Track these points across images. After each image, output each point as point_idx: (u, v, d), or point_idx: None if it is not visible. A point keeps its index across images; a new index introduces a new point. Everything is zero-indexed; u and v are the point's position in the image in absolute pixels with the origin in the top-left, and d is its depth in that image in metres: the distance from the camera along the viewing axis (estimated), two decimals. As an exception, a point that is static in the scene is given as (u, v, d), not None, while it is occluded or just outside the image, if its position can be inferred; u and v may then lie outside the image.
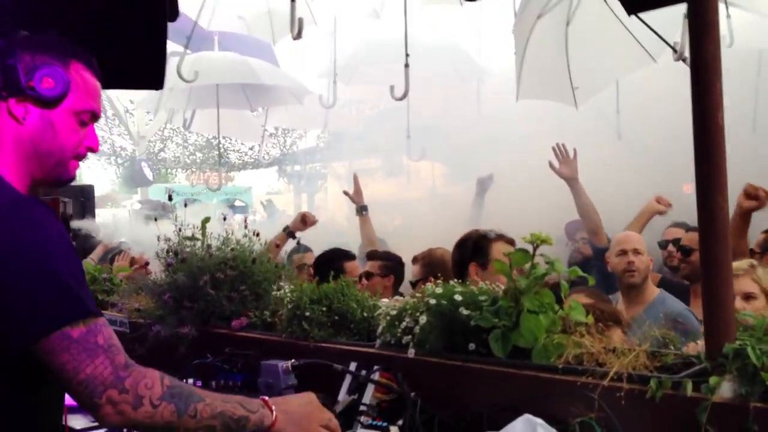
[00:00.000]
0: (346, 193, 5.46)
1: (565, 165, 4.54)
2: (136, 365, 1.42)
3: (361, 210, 5.24)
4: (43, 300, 1.37)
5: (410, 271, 4.07)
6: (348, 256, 4.33)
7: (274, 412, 1.52)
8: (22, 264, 1.38)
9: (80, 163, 1.69)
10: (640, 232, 4.33)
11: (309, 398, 1.64)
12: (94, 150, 1.66)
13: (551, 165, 4.55)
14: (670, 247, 4.39)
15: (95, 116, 1.64)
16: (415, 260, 3.94)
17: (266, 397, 1.56)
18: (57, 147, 1.57)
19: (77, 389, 1.36)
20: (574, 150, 4.59)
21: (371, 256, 4.44)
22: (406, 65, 5.82)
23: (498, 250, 3.08)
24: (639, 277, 3.73)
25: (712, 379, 1.53)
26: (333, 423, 1.63)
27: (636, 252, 3.77)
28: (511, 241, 3.20)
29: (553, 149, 4.61)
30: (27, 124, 1.54)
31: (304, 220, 4.85)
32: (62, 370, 1.35)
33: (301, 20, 5.01)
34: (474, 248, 3.16)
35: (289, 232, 4.83)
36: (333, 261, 4.06)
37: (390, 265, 4.27)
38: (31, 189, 1.58)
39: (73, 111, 1.58)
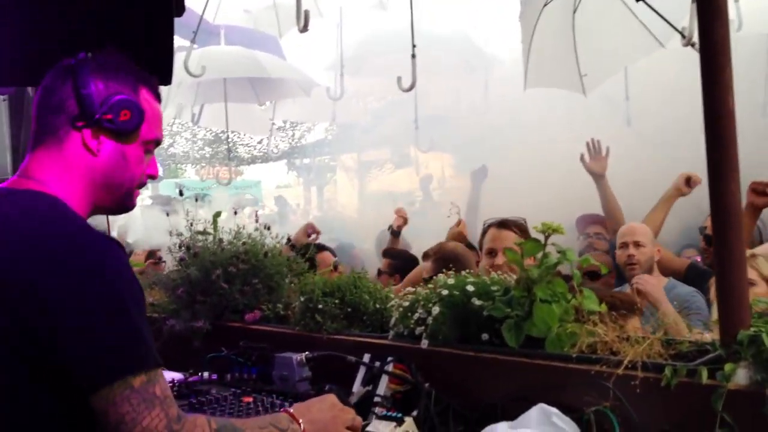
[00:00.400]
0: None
1: (595, 161, 4.51)
2: (186, 415, 1.40)
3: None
4: (112, 345, 1.33)
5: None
6: (321, 247, 4.38)
7: (302, 425, 1.54)
8: (94, 304, 1.33)
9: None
10: (665, 215, 4.25)
11: (330, 401, 1.65)
12: (154, 178, 1.64)
13: (582, 159, 4.51)
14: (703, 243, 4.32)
15: (159, 143, 1.63)
16: (426, 256, 3.94)
17: (290, 409, 1.57)
18: (128, 178, 1.55)
19: None
20: (607, 148, 4.55)
21: (385, 253, 4.47)
22: (413, 56, 5.80)
23: (491, 236, 3.25)
24: (640, 269, 3.70)
25: (728, 367, 1.53)
26: (357, 421, 1.65)
27: (637, 244, 3.75)
28: (503, 224, 3.33)
29: (587, 144, 4.57)
30: (101, 156, 1.51)
31: (308, 233, 4.84)
32: (120, 422, 1.31)
33: (307, 12, 5.00)
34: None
35: (291, 245, 4.81)
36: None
37: (396, 264, 4.30)
38: (91, 215, 1.56)
39: (142, 141, 1.56)
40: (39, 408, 1.35)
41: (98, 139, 1.50)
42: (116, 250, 1.40)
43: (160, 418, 1.34)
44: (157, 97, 1.61)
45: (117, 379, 1.31)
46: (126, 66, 1.56)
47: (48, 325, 1.31)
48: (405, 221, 5.17)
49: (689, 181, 4.22)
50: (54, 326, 1.31)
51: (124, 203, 1.59)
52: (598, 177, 4.50)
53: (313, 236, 4.80)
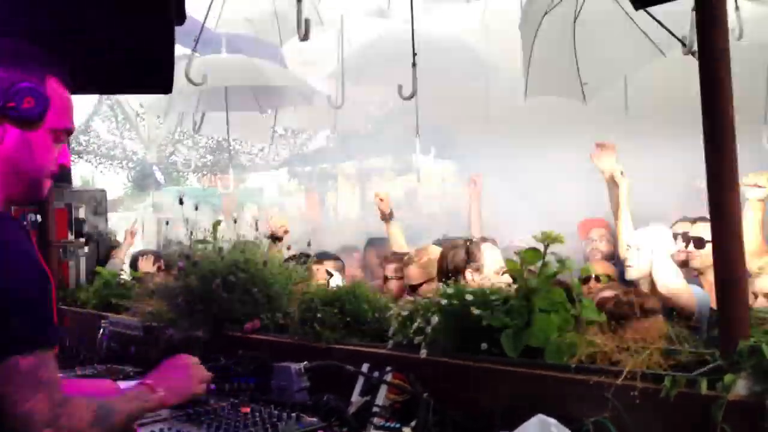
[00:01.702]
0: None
1: (604, 158, 4.43)
2: (70, 398, 1.40)
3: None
4: (1, 325, 1.33)
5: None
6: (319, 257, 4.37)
7: (161, 392, 1.64)
8: None
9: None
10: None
11: (183, 362, 1.77)
12: (66, 167, 1.64)
13: (592, 158, 4.45)
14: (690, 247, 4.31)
15: (69, 133, 1.62)
16: (409, 261, 3.86)
17: (149, 381, 1.66)
18: (35, 167, 1.55)
19: (11, 422, 1.33)
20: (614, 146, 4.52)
21: (389, 259, 4.43)
22: (414, 64, 5.81)
23: (488, 253, 3.33)
24: (635, 272, 3.71)
25: (727, 377, 1.52)
26: (207, 375, 1.81)
27: (637, 249, 3.75)
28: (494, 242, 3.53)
29: (597, 144, 4.53)
30: (5, 144, 1.51)
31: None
32: (1, 401, 1.32)
33: (307, 21, 5.01)
34: (468, 255, 3.33)
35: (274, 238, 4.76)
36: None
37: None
38: (4, 207, 1.55)
39: (50, 130, 1.55)
40: None
41: (3, 127, 1.50)
42: (11, 227, 1.41)
43: (44, 402, 1.35)
44: (67, 87, 1.60)
45: (2, 360, 1.32)
46: (32, 55, 1.55)
47: None
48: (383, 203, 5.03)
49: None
50: None
51: (33, 193, 1.58)
52: (608, 177, 4.46)
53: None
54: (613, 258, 4.48)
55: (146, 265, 5.02)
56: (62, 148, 1.61)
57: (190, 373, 1.75)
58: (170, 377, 1.71)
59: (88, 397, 1.48)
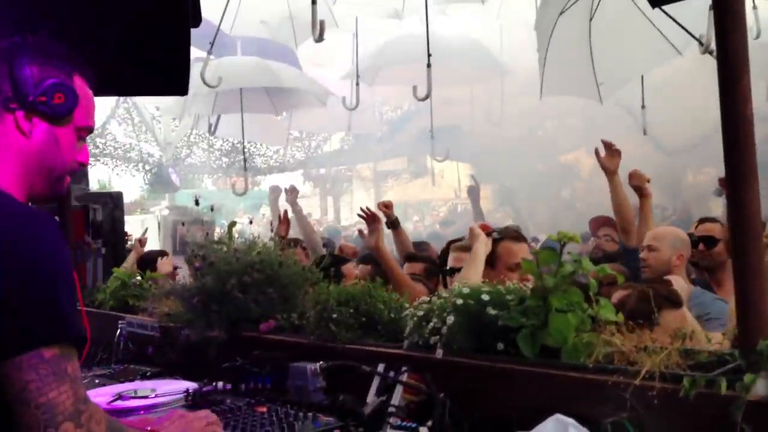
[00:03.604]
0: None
1: (608, 157, 4.44)
2: (90, 400, 1.39)
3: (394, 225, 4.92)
4: (30, 318, 1.33)
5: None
6: (346, 260, 4.40)
7: None
8: (17, 280, 1.33)
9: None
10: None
11: (180, 414, 1.81)
12: (85, 165, 1.65)
13: (597, 153, 4.45)
14: (701, 246, 4.28)
15: (91, 131, 1.64)
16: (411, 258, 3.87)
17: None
18: (60, 162, 1.56)
19: (33, 413, 1.30)
20: (619, 150, 4.52)
21: (412, 257, 4.44)
22: (429, 65, 5.82)
23: (505, 248, 3.27)
24: (649, 272, 3.71)
25: (747, 377, 1.50)
26: (213, 417, 1.83)
27: (650, 248, 3.75)
28: (515, 237, 3.40)
29: (602, 141, 4.52)
30: (33, 138, 1.51)
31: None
32: (24, 389, 1.29)
33: (322, 23, 5.04)
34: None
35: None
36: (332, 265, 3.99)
37: (430, 267, 4.28)
38: (27, 201, 1.56)
39: (75, 127, 1.57)
40: None
41: (31, 121, 1.51)
42: (44, 220, 1.41)
43: (68, 394, 1.32)
44: (91, 86, 1.62)
45: (27, 349, 1.30)
46: (60, 52, 1.56)
47: None
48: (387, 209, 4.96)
49: (631, 178, 4.26)
50: None
51: (56, 189, 1.59)
52: (611, 174, 4.45)
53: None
54: (616, 258, 4.45)
55: (166, 267, 5.06)
56: (83, 147, 1.63)
57: (189, 421, 1.76)
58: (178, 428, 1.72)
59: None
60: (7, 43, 1.52)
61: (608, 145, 4.40)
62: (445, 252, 4.04)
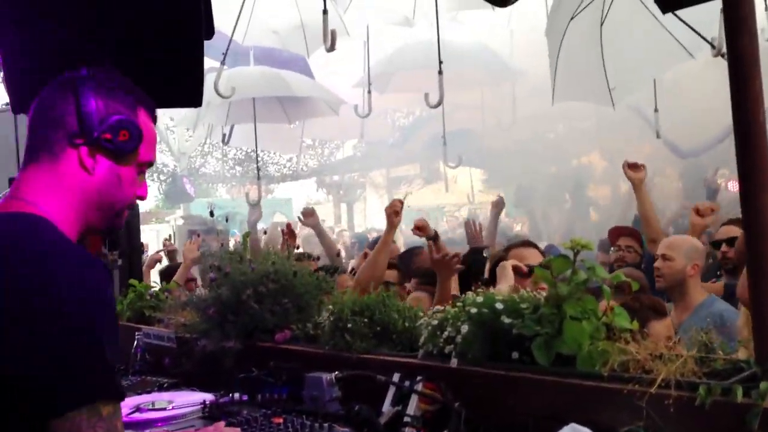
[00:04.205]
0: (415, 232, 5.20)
1: (635, 170, 4.53)
2: None
3: (435, 239, 4.94)
4: (82, 369, 1.27)
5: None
6: (336, 269, 4.40)
7: None
8: (65, 326, 1.27)
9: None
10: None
11: None
12: (143, 199, 1.62)
13: (624, 167, 4.55)
14: (723, 247, 4.27)
15: (151, 166, 1.61)
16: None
17: None
18: (120, 199, 1.53)
19: None
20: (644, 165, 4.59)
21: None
22: (440, 72, 5.83)
23: (514, 257, 3.33)
24: (663, 282, 3.71)
25: (763, 385, 1.49)
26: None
27: (664, 257, 3.73)
28: (525, 243, 3.53)
29: (625, 163, 4.61)
30: (96, 175, 1.48)
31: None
32: None
33: (333, 32, 5.06)
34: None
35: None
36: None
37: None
38: (82, 234, 1.52)
39: (138, 163, 1.54)
40: None
41: (94, 158, 1.48)
42: (96, 271, 1.36)
43: None
44: (154, 119, 1.59)
45: (86, 404, 1.26)
46: (125, 86, 1.54)
47: (20, 345, 1.26)
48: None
49: (700, 213, 4.27)
50: (24, 345, 1.26)
51: (113, 223, 1.56)
52: (638, 184, 4.51)
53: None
54: (640, 268, 4.45)
55: (191, 252, 5.14)
56: (143, 181, 1.60)
57: None
58: None
59: None
60: (73, 76, 1.49)
61: (632, 165, 4.50)
62: (469, 257, 4.07)
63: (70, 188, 1.47)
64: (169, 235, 6.86)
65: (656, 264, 3.76)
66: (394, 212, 3.95)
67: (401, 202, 4.01)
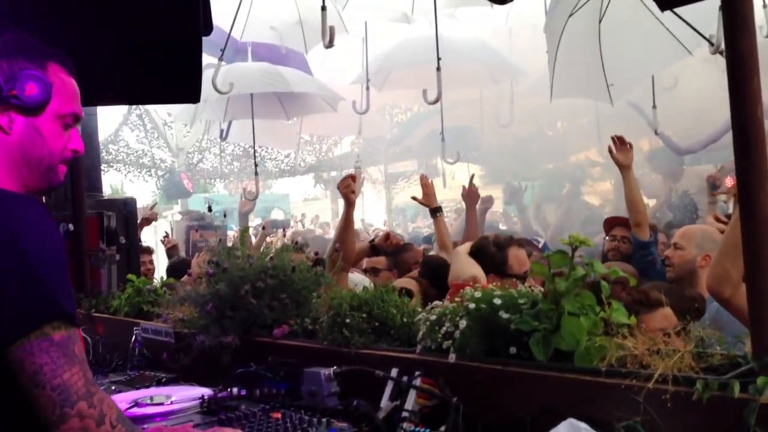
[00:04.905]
0: (415, 198, 5.41)
1: (621, 152, 4.47)
2: (98, 385, 1.41)
3: (435, 212, 5.04)
4: (24, 299, 1.34)
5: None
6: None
7: None
8: (5, 263, 1.35)
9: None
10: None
11: None
12: (78, 153, 1.64)
13: (609, 151, 4.49)
14: None
15: (77, 118, 1.63)
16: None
17: None
18: (46, 153, 1.56)
19: (49, 395, 1.32)
20: (630, 143, 4.54)
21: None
22: (438, 68, 5.83)
23: (513, 255, 3.38)
24: (673, 272, 3.66)
25: (760, 380, 1.50)
26: None
27: (675, 246, 3.71)
28: (520, 243, 3.55)
29: (612, 138, 4.55)
30: (13, 133, 1.53)
31: (388, 239, 4.93)
32: (38, 373, 1.31)
33: (332, 28, 5.05)
34: (492, 258, 3.37)
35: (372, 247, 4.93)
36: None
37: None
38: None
39: (56, 115, 1.57)
40: None
41: (9, 117, 1.52)
42: (34, 206, 1.42)
43: (79, 375, 1.35)
44: (71, 73, 1.61)
45: (34, 329, 1.32)
46: (31, 44, 1.57)
47: None
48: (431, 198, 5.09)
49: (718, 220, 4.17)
50: None
51: (49, 180, 1.59)
52: (625, 168, 4.47)
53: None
54: (630, 259, 4.42)
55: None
56: (72, 134, 1.62)
57: None
58: None
59: None
60: None
61: (620, 140, 4.42)
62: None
63: None
64: (166, 233, 6.85)
65: (667, 253, 3.73)
66: (349, 190, 4.05)
67: (353, 179, 4.13)
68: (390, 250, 4.91)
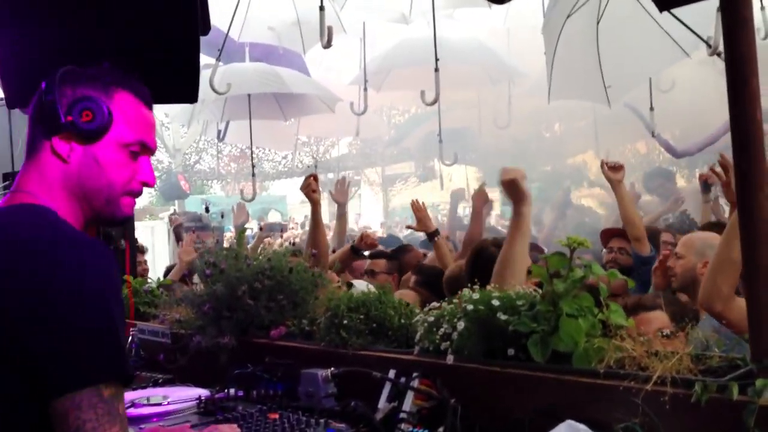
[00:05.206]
0: (410, 226, 5.46)
1: (613, 170, 4.51)
2: None
3: (432, 236, 4.80)
4: (90, 353, 1.28)
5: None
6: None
7: None
8: (72, 308, 1.28)
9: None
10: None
11: None
12: (149, 184, 1.55)
13: (602, 167, 4.55)
14: None
15: (147, 148, 1.54)
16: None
17: None
18: (104, 184, 1.47)
19: None
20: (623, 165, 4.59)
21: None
22: (436, 69, 5.83)
23: None
24: (676, 281, 3.63)
25: (759, 382, 1.50)
26: None
27: (677, 256, 3.66)
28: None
29: (602, 162, 4.62)
30: (72, 162, 1.45)
31: (362, 239, 4.93)
32: (80, 429, 1.25)
33: (330, 29, 5.05)
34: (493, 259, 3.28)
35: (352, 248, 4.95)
36: None
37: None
38: (85, 229, 1.50)
39: (119, 144, 1.48)
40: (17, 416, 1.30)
41: (69, 145, 1.46)
42: (101, 254, 1.36)
43: None
44: (144, 101, 1.53)
45: (88, 385, 1.26)
46: (105, 73, 1.50)
47: (26, 326, 1.27)
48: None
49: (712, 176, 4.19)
50: (31, 326, 1.27)
51: (110, 212, 1.51)
52: (616, 183, 4.50)
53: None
54: (631, 272, 4.38)
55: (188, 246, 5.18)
56: (142, 164, 1.53)
57: None
58: None
59: None
60: (49, 77, 1.48)
61: (611, 166, 4.50)
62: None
63: (55, 180, 1.46)
64: (174, 210, 6.89)
65: (669, 263, 3.70)
66: (310, 190, 4.13)
67: (315, 179, 4.20)
68: (365, 250, 4.94)
